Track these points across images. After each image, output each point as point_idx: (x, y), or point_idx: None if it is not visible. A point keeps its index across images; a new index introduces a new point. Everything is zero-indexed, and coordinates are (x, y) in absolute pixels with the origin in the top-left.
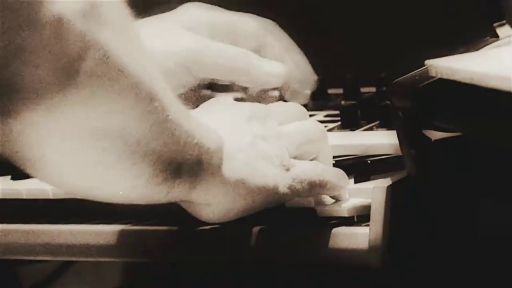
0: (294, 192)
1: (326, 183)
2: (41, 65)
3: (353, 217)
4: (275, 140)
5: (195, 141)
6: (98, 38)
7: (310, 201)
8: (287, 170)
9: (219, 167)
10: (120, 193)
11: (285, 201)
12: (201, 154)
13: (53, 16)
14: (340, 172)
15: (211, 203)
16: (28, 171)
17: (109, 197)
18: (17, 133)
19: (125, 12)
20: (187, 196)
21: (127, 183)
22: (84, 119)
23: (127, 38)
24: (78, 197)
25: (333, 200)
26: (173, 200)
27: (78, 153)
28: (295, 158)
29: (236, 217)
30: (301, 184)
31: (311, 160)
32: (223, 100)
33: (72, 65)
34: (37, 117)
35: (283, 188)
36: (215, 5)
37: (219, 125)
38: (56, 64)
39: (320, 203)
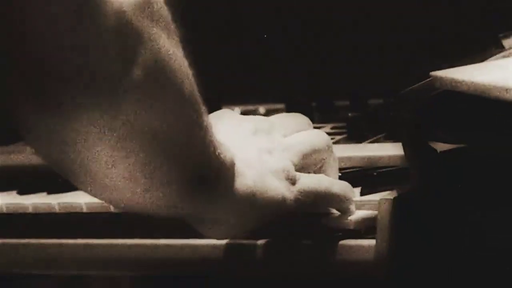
0: (300, 205)
1: (332, 196)
2: (101, 59)
3: (359, 229)
4: (280, 152)
5: (217, 152)
6: (152, 34)
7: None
8: (293, 183)
9: (232, 182)
10: (150, 200)
11: (290, 215)
12: (221, 168)
13: (114, 11)
14: (346, 185)
15: (220, 219)
16: (71, 177)
17: (135, 207)
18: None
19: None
20: (202, 212)
21: (158, 190)
22: (134, 117)
23: (173, 38)
24: (112, 209)
25: (339, 213)
26: (183, 214)
27: (123, 155)
28: (300, 169)
29: (242, 233)
30: (307, 197)
31: (317, 169)
32: (228, 113)
33: (129, 60)
34: (93, 115)
35: (289, 202)
36: None
37: (227, 140)
38: (114, 59)
39: (327, 215)
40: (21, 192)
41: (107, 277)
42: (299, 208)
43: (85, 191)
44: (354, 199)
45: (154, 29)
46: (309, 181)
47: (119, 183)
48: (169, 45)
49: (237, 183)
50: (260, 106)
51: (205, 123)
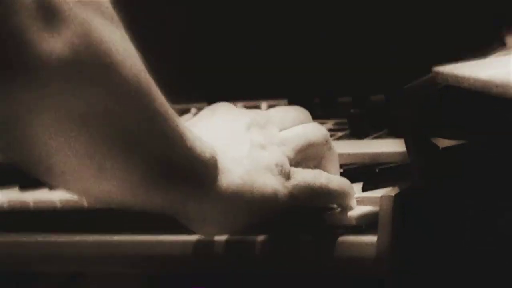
0: (294, 200)
1: (330, 192)
2: (23, 34)
3: (361, 225)
4: (275, 147)
5: (188, 144)
6: (79, 12)
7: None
8: (288, 178)
9: (215, 179)
10: (116, 191)
11: (285, 211)
12: (196, 163)
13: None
14: (345, 181)
15: (207, 218)
16: (28, 167)
17: (106, 198)
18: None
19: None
20: (183, 209)
21: (122, 179)
22: (64, 98)
23: (108, 20)
24: (78, 201)
25: (340, 209)
26: (169, 211)
27: (70, 140)
28: (297, 163)
29: (236, 231)
30: (302, 193)
31: (316, 164)
32: (224, 106)
33: (54, 36)
34: (24, 95)
35: (282, 197)
36: None
37: (217, 135)
38: (37, 34)
39: (327, 211)
40: (23, 188)
41: (109, 274)
42: (294, 204)
43: (41, 179)
44: (355, 195)
45: (82, 7)
46: (304, 176)
47: (72, 171)
48: (102, 27)
49: (222, 180)
50: (262, 102)
51: (166, 115)
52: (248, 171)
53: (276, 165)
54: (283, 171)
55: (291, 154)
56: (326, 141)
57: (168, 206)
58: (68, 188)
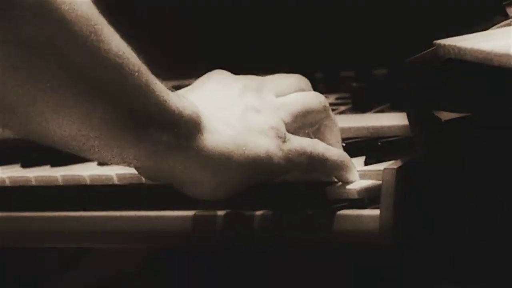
0: (290, 164)
1: (326, 160)
2: None
3: (363, 198)
4: (271, 111)
5: (161, 98)
6: None
7: (319, 179)
8: (284, 141)
9: (197, 137)
10: (82, 139)
11: (281, 175)
12: (170, 115)
13: None
14: (343, 153)
15: (197, 180)
16: None
17: (79, 146)
18: None
19: None
20: (168, 169)
21: (81, 123)
22: (22, 29)
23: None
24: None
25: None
26: (149, 168)
27: (21, 72)
28: (295, 131)
29: (230, 192)
30: (298, 157)
31: (315, 132)
32: (218, 73)
33: None
34: None
35: (278, 159)
36: None
37: (209, 99)
38: None
39: (329, 184)
40: (24, 165)
41: (109, 250)
42: (290, 168)
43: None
44: (358, 168)
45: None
46: (302, 141)
47: (28, 109)
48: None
49: (208, 140)
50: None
51: (126, 63)
52: (239, 133)
53: (271, 127)
54: (278, 134)
55: (287, 119)
56: (325, 108)
57: (144, 160)
58: (29, 132)
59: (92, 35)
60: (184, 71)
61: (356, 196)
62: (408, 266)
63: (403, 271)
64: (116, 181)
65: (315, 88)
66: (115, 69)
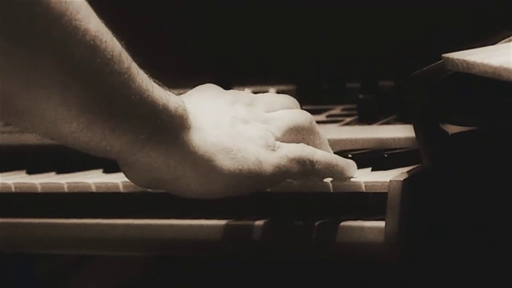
0: (283, 172)
1: (317, 162)
2: None
3: (368, 205)
4: (260, 123)
5: (142, 88)
6: None
7: (327, 185)
8: (273, 150)
9: (183, 134)
10: (59, 114)
11: (274, 184)
12: (152, 106)
13: None
14: (331, 155)
15: (180, 177)
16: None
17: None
18: None
19: None
20: (148, 159)
21: (59, 105)
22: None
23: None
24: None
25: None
26: (133, 157)
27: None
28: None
29: (217, 195)
30: (290, 163)
31: None
32: (208, 87)
33: None
34: None
35: (269, 167)
36: None
37: (199, 105)
38: None
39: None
40: (30, 172)
41: (114, 257)
42: (282, 176)
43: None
44: (364, 179)
45: None
46: (290, 147)
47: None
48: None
49: (193, 136)
50: (270, 88)
51: (117, 57)
52: (228, 136)
53: (260, 137)
54: (268, 143)
55: (276, 132)
56: (313, 127)
57: (125, 151)
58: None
59: (68, 12)
60: (179, 81)
61: (363, 189)
62: (413, 279)
63: (409, 284)
64: (121, 189)
65: (321, 99)
66: (92, 51)
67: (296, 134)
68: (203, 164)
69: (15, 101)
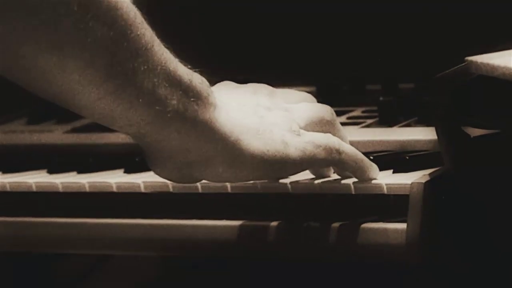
0: (308, 157)
1: (343, 153)
2: None
3: (389, 207)
4: (282, 112)
5: (169, 61)
6: None
7: (349, 187)
8: (298, 135)
9: (207, 109)
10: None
11: (299, 171)
12: (182, 81)
13: None
14: (357, 150)
15: (208, 158)
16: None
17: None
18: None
19: None
20: (173, 128)
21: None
22: None
23: None
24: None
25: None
26: (157, 130)
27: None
28: None
29: (243, 179)
30: (316, 149)
31: None
32: (227, 82)
33: None
34: None
35: (295, 151)
36: None
37: (221, 92)
38: None
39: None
40: (51, 171)
41: (135, 257)
42: (309, 161)
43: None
44: (386, 181)
45: None
46: (315, 135)
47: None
48: None
49: (219, 114)
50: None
51: (140, 32)
52: (253, 118)
53: (284, 122)
54: (292, 128)
55: (299, 121)
56: (333, 120)
57: (150, 124)
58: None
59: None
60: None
61: (384, 191)
62: (435, 282)
63: (431, 285)
64: (142, 189)
65: (342, 101)
66: (113, 23)
67: (319, 126)
68: (230, 143)
69: (40, 63)
